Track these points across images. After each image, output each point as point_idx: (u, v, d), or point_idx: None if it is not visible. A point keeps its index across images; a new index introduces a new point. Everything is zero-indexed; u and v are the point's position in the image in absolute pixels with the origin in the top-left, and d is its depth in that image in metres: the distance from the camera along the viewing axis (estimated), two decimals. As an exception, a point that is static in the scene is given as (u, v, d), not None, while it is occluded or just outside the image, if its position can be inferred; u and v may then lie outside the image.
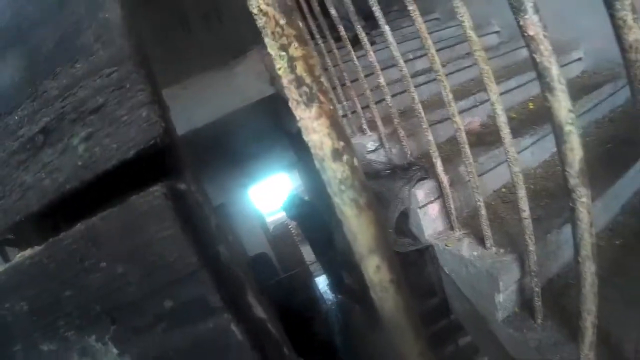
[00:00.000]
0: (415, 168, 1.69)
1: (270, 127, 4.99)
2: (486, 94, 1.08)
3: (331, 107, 0.31)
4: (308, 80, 0.30)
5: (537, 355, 1.17)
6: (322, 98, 0.30)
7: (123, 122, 0.27)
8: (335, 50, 2.17)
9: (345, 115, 2.25)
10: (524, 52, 2.41)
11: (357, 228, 0.30)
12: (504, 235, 1.43)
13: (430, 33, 1.28)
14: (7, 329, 0.28)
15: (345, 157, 0.30)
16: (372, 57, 1.77)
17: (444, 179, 1.52)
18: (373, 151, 2.01)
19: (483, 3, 2.96)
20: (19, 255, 0.28)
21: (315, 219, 5.81)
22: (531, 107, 2.25)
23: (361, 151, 2.03)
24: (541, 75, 0.61)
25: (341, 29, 1.96)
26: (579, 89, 2.16)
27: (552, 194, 1.60)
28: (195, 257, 0.26)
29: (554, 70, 0.59)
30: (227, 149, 4.77)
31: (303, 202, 6.21)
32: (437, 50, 1.28)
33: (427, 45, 1.25)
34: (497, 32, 3.19)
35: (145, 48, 0.32)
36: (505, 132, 1.07)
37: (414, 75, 2.40)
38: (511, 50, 2.81)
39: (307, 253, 6.99)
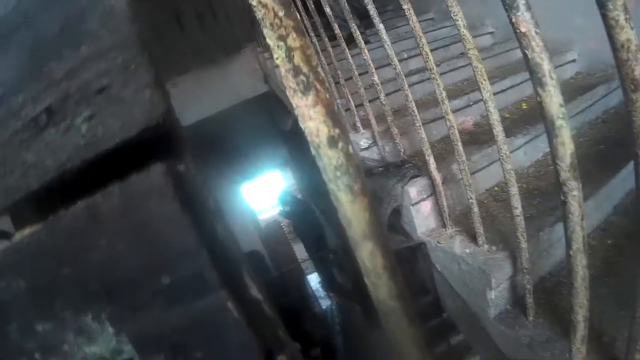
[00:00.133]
0: (408, 166, 1.70)
1: (264, 125, 4.99)
2: (480, 93, 1.09)
3: (327, 96, 0.31)
4: (305, 69, 0.31)
5: (528, 352, 1.18)
6: (318, 87, 0.31)
7: (127, 102, 0.27)
8: (330, 49, 2.17)
9: (338, 113, 2.25)
10: (518, 53, 2.43)
11: (352, 214, 0.30)
12: (496, 233, 1.44)
13: (424, 33, 1.29)
14: (3, 308, 0.28)
15: (340, 144, 0.30)
16: (366, 55, 1.78)
17: (437, 176, 1.53)
18: (366, 149, 2.01)
19: (477, 4, 2.99)
20: (18, 234, 0.28)
21: (307, 216, 5.83)
22: (524, 107, 2.27)
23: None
24: (533, 71, 0.62)
25: (336, 27, 1.97)
26: (572, 90, 2.18)
27: (544, 193, 1.62)
28: (193, 235, 0.26)
29: (546, 66, 0.60)
30: (220, 146, 4.75)
31: (295, 200, 6.23)
32: (431, 50, 1.29)
33: (422, 44, 1.26)
34: (491, 33, 3.20)
35: (148, 34, 0.32)
36: (498, 129, 1.08)
37: (408, 75, 2.42)
38: (505, 51, 2.83)
39: (300, 251, 7.01)
